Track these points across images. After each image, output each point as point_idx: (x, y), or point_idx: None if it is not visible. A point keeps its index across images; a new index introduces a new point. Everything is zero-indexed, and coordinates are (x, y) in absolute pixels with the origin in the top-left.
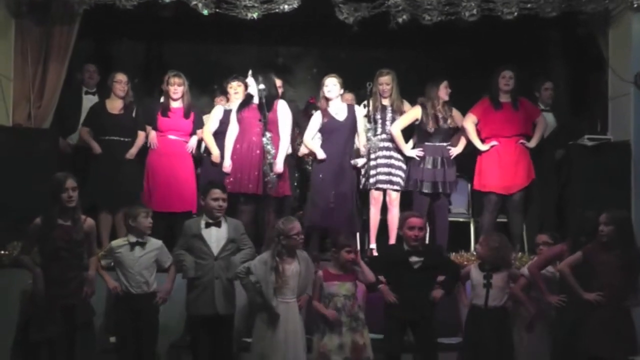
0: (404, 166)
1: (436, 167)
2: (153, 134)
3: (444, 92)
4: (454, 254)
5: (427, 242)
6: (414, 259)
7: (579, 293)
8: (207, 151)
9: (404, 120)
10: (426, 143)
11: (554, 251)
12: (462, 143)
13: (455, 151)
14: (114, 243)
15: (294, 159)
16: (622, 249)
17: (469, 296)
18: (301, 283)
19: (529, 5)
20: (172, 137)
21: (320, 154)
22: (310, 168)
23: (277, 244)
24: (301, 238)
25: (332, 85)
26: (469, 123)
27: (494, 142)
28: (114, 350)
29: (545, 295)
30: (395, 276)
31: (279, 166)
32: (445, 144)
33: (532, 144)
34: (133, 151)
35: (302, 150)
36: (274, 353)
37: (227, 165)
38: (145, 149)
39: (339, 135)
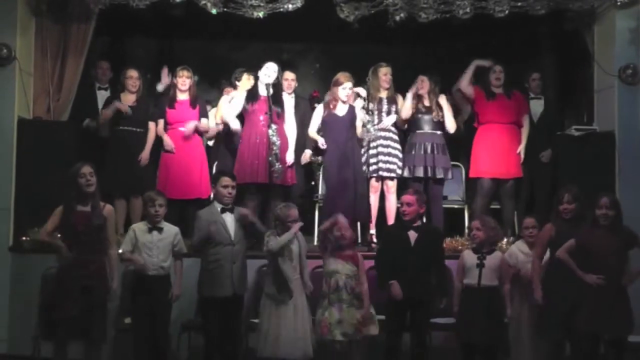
0: (400, 155)
1: (427, 153)
2: (167, 139)
3: (419, 85)
4: (449, 239)
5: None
6: (411, 233)
7: (581, 276)
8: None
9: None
10: (417, 131)
11: (546, 234)
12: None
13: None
14: (135, 226)
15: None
16: (620, 231)
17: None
18: (302, 261)
19: (519, 4)
20: (181, 129)
21: (321, 142)
22: (319, 173)
23: (276, 227)
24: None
25: (348, 89)
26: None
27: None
28: (129, 330)
29: (581, 275)
30: (396, 254)
31: (289, 157)
32: (435, 132)
33: (521, 150)
34: (145, 155)
35: (305, 157)
36: (284, 328)
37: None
38: (158, 141)
39: (338, 129)
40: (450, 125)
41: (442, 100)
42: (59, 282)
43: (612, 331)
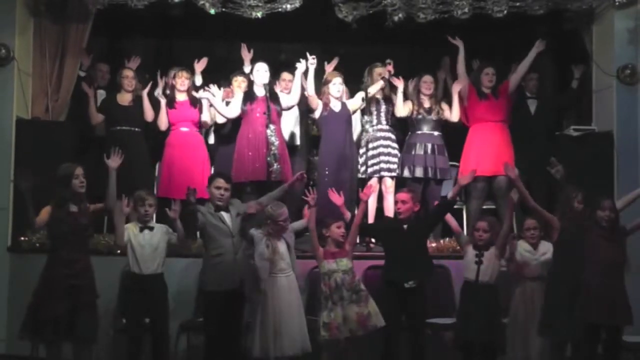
0: (398, 154)
1: (427, 154)
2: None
3: (424, 86)
4: (447, 239)
5: None
6: (404, 225)
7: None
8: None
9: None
10: (417, 132)
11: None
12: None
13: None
14: (127, 226)
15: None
16: (617, 231)
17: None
18: (292, 256)
19: (517, 4)
20: (183, 129)
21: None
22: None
23: (267, 225)
24: (287, 223)
25: (339, 84)
26: None
27: None
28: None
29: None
30: (388, 239)
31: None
32: (435, 132)
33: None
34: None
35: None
36: (273, 325)
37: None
38: (161, 141)
39: (335, 126)
40: (455, 114)
41: (455, 89)
42: (45, 282)
43: (611, 321)
